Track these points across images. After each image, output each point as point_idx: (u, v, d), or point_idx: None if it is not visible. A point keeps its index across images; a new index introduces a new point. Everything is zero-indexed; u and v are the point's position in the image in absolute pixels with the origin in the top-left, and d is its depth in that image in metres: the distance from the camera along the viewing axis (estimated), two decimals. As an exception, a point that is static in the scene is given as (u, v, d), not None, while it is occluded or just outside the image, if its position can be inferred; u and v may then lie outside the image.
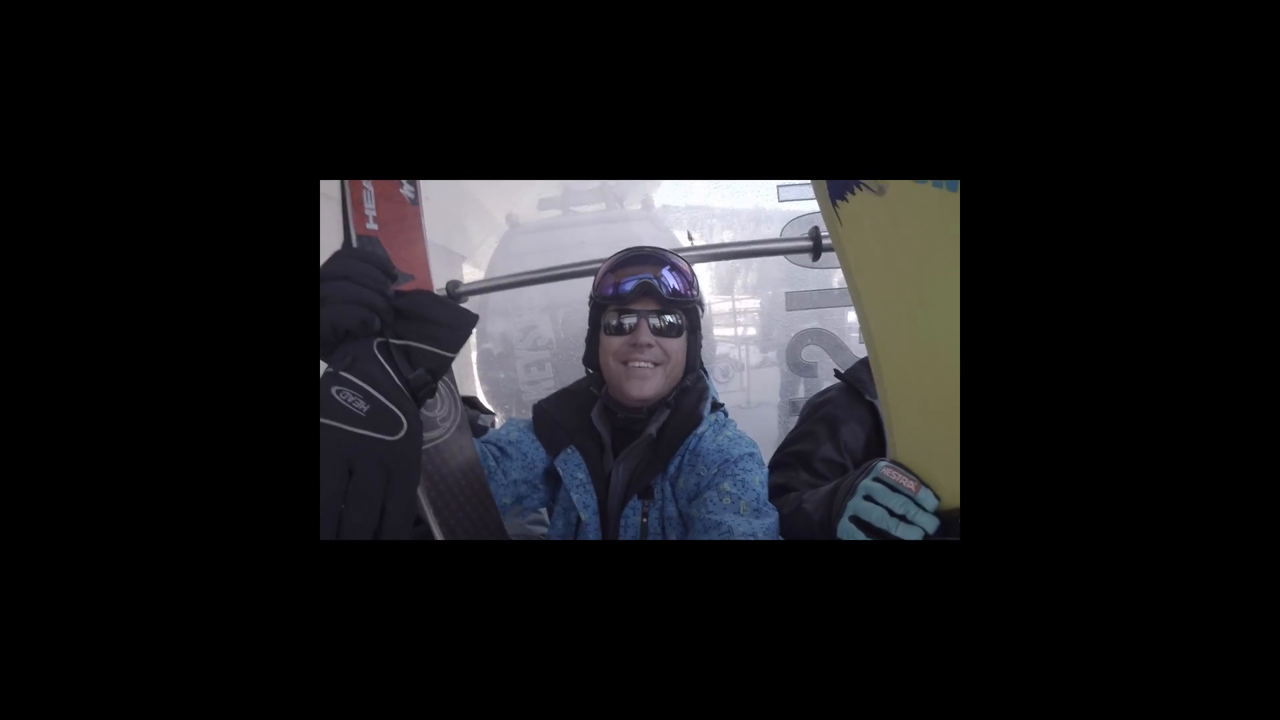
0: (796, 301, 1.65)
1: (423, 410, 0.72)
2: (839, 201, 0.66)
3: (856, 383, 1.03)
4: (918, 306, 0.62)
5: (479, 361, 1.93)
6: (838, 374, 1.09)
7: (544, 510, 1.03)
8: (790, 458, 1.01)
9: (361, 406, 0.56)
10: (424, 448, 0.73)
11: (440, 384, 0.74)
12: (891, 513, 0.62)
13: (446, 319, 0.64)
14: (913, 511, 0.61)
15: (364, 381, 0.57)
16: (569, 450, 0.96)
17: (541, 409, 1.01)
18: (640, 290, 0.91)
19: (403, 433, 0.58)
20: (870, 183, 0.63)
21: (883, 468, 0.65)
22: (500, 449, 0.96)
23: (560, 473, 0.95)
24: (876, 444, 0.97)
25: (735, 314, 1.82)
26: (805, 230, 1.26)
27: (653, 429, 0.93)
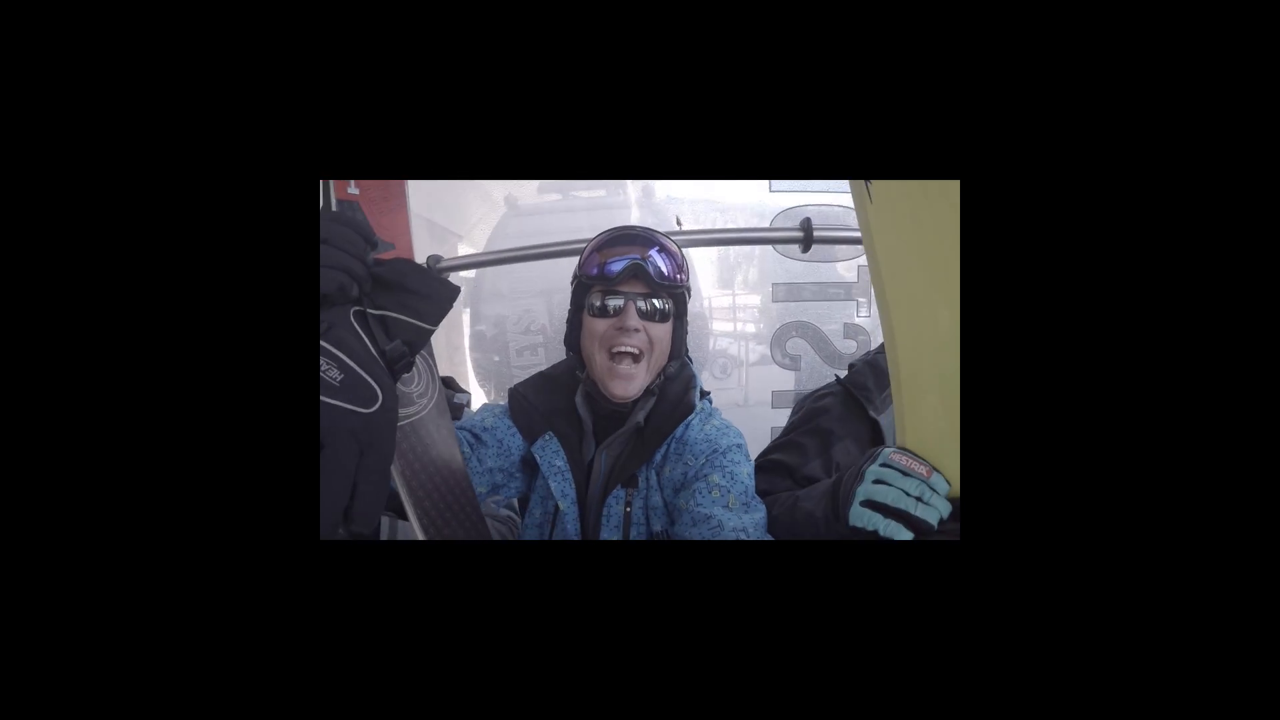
0: (783, 294, 1.64)
1: (399, 385, 0.70)
2: (872, 180, 0.64)
3: (860, 392, 0.94)
4: (942, 293, 0.60)
5: (471, 343, 1.90)
6: (839, 380, 0.99)
7: (515, 501, 1.01)
8: (773, 465, 0.96)
9: (335, 376, 0.54)
10: (399, 424, 0.71)
11: (418, 359, 0.72)
12: (907, 494, 0.60)
13: (428, 290, 0.61)
14: (927, 494, 0.60)
15: (339, 350, 0.55)
16: (547, 437, 0.92)
17: (518, 394, 0.97)
18: (629, 272, 0.87)
19: (377, 405, 0.56)
20: None
21: (890, 454, 0.63)
22: (475, 436, 0.92)
23: (538, 460, 0.91)
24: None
25: (735, 309, 1.79)
26: (796, 222, 1.25)
27: (639, 417, 0.90)
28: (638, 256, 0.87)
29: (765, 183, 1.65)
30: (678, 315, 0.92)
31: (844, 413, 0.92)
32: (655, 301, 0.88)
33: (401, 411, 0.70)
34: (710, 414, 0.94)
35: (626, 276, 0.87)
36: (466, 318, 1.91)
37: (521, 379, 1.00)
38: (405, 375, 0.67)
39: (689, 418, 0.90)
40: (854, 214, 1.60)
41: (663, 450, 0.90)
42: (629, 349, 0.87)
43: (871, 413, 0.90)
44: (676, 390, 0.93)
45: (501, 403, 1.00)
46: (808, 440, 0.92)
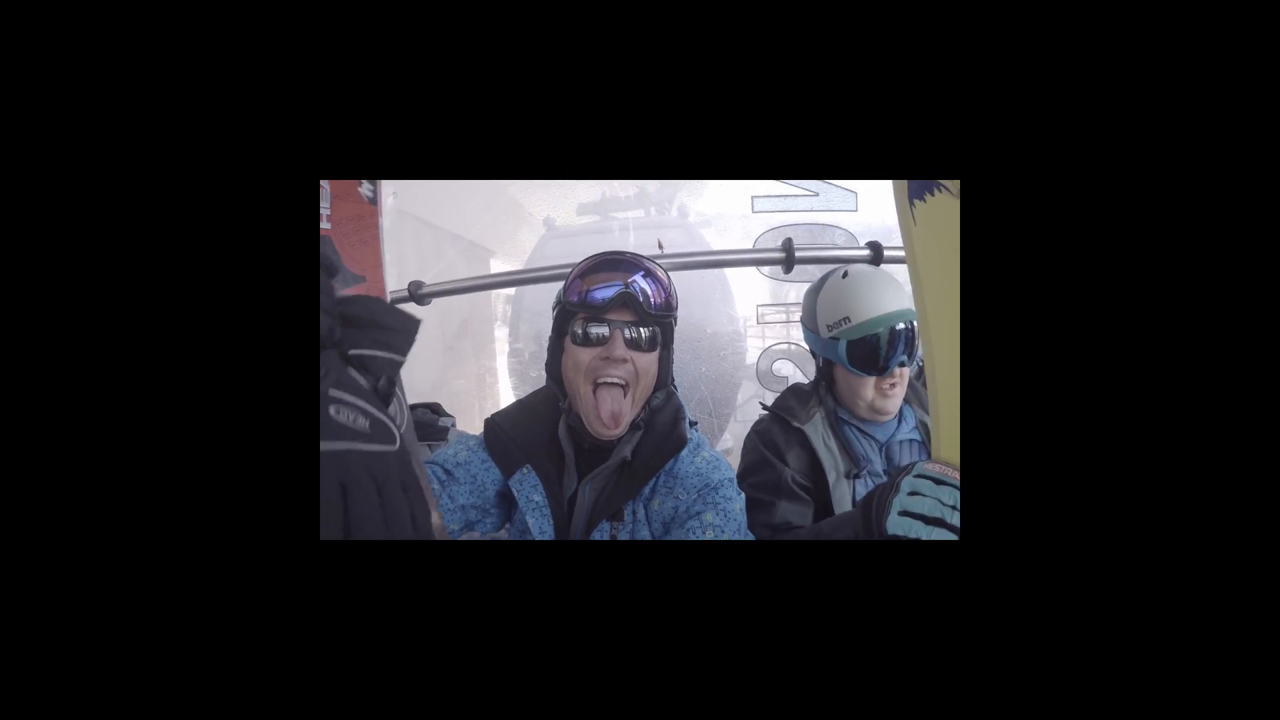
0: (768, 314, 1.63)
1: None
2: (916, 201, 0.66)
3: (784, 412, 1.07)
4: None
5: (510, 363, 1.91)
6: (764, 407, 1.12)
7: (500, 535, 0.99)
8: (759, 490, 1.00)
9: (363, 424, 0.54)
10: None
11: (392, 388, 0.72)
12: (942, 503, 0.62)
13: (396, 323, 0.61)
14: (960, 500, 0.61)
15: (356, 396, 0.55)
16: (524, 470, 0.87)
17: (494, 425, 0.92)
18: (619, 300, 0.82)
19: (397, 443, 0.56)
20: (949, 184, 0.63)
21: (923, 465, 0.65)
22: (447, 471, 0.88)
23: (515, 494, 0.87)
24: (816, 465, 1.03)
25: (789, 326, 1.73)
26: (779, 241, 1.25)
27: (626, 451, 0.86)
28: (621, 284, 0.83)
29: (749, 203, 1.64)
30: (664, 344, 0.88)
31: (780, 429, 1.05)
32: (643, 330, 0.83)
33: (374, 446, 0.70)
34: (699, 444, 0.90)
35: (615, 304, 0.83)
36: (504, 335, 1.92)
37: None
38: (382, 406, 0.68)
39: (679, 451, 0.87)
40: (837, 231, 1.61)
41: (651, 484, 0.86)
42: (615, 380, 0.82)
43: (795, 423, 1.04)
44: (664, 422, 0.89)
45: (474, 433, 0.96)
46: (768, 454, 1.03)
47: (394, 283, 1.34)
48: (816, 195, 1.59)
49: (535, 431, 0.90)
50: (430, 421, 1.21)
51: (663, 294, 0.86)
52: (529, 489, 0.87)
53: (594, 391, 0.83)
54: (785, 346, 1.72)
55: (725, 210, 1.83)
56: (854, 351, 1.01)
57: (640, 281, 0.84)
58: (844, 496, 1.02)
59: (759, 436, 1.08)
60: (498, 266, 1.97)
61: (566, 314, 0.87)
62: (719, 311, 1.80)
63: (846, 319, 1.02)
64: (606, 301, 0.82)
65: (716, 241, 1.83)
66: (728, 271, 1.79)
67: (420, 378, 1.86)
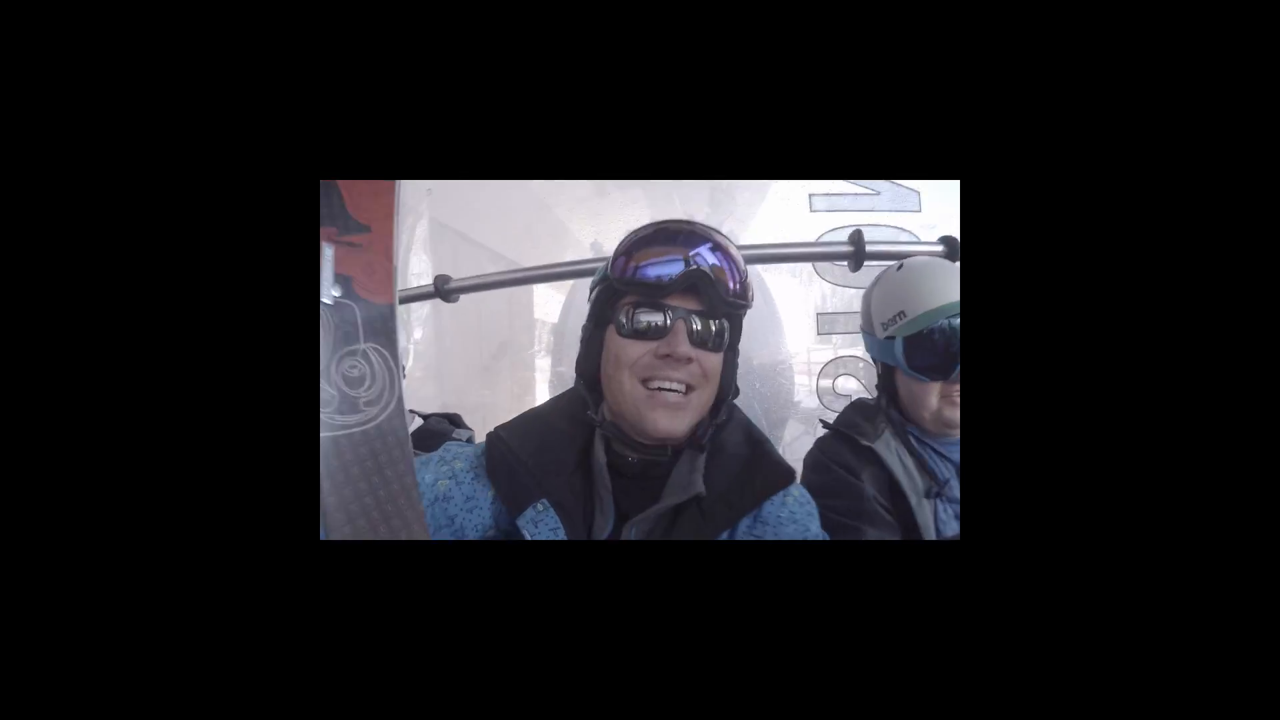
0: (828, 325, 1.47)
1: (347, 389, 0.61)
2: None
3: (849, 428, 0.92)
4: None
5: (552, 387, 1.86)
6: (825, 425, 0.98)
7: None
8: (841, 515, 0.85)
9: None
10: (344, 433, 0.61)
11: (380, 364, 0.63)
12: None
13: None
14: None
15: None
16: (539, 507, 0.64)
17: (500, 442, 0.69)
18: (684, 281, 0.63)
19: None
20: None
21: None
22: None
23: (527, 538, 0.65)
24: (894, 486, 0.88)
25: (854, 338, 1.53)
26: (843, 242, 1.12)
27: (699, 484, 0.65)
28: (683, 259, 0.64)
29: (807, 202, 1.53)
30: (732, 344, 0.69)
31: (848, 449, 0.91)
32: (712, 323, 0.65)
33: (346, 418, 0.60)
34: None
35: (680, 287, 0.63)
36: (546, 364, 1.88)
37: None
38: (355, 377, 0.59)
39: (785, 487, 0.68)
40: (901, 233, 1.48)
41: (729, 531, 0.66)
42: (674, 386, 0.64)
43: (865, 441, 0.89)
44: (735, 443, 0.70)
45: (471, 445, 0.74)
46: (839, 471, 0.89)
47: (424, 278, 1.29)
48: (878, 194, 1.46)
49: (555, 454, 0.68)
50: (445, 431, 1.10)
51: (737, 276, 0.66)
52: (545, 533, 0.64)
53: (648, 393, 0.65)
54: (838, 372, 1.55)
55: (770, 237, 1.72)
56: (912, 351, 0.86)
57: (708, 255, 0.65)
58: (927, 520, 0.85)
59: (825, 454, 0.92)
60: (542, 289, 1.92)
61: (610, 295, 0.68)
62: (768, 338, 1.68)
63: (901, 314, 0.87)
64: (667, 282, 0.63)
65: (766, 274, 1.72)
66: (778, 302, 1.67)
67: (449, 390, 1.80)
